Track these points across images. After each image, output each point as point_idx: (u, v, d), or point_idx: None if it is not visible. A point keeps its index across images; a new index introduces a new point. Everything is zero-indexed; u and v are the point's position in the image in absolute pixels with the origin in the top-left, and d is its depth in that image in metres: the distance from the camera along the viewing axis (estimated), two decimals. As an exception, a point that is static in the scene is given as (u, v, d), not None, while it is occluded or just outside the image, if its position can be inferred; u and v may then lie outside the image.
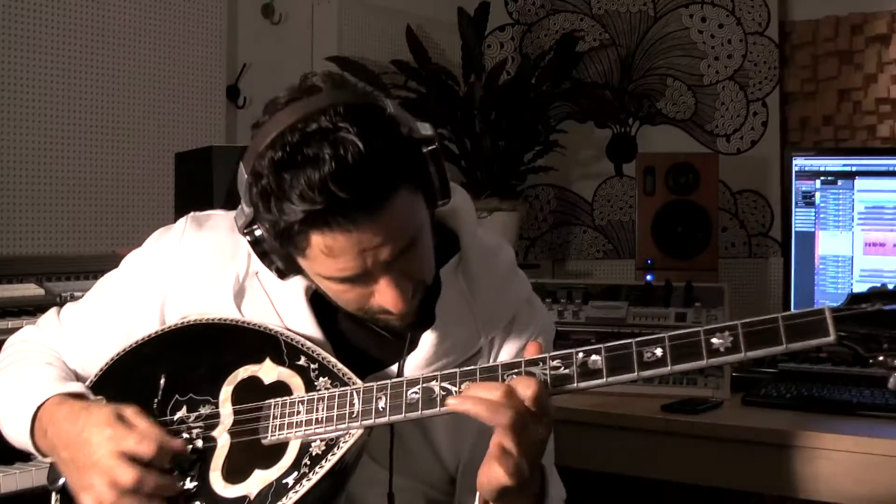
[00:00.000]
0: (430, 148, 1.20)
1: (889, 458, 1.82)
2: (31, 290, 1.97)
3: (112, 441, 1.21)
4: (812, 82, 3.20)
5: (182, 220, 1.42)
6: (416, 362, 1.30)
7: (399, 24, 3.30)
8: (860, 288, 2.31)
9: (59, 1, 2.51)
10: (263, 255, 1.23)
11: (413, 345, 1.31)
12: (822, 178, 2.43)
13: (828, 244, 2.39)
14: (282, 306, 1.33)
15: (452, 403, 1.12)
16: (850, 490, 1.86)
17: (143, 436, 1.21)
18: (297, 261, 1.22)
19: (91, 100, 2.58)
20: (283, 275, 1.25)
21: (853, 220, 2.38)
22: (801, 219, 2.44)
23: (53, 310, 1.51)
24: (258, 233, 1.20)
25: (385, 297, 1.20)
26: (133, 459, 1.20)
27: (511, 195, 3.23)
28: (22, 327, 1.71)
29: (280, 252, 1.21)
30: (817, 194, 2.42)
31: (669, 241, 2.83)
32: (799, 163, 2.46)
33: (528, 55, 3.51)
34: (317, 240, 1.14)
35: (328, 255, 1.15)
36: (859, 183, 2.38)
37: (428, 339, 1.31)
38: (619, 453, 2.10)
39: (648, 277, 2.82)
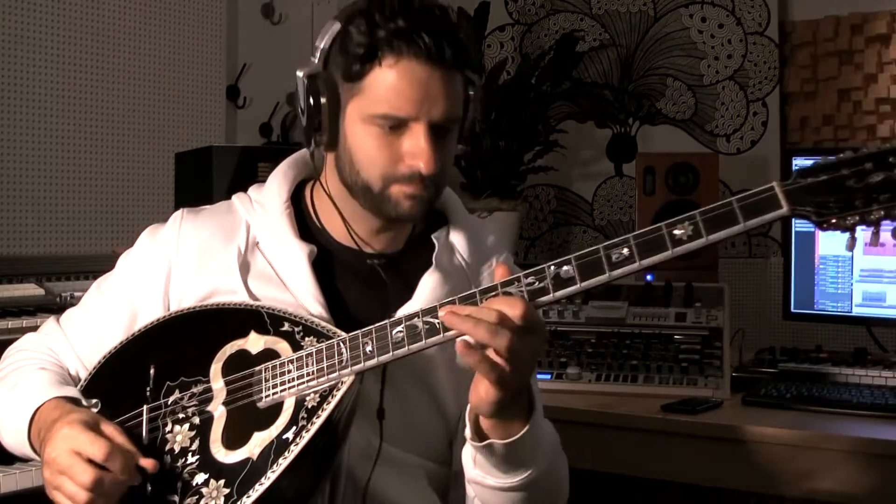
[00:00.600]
0: (481, 82, 1.39)
1: (889, 458, 1.83)
2: (31, 290, 1.97)
3: (67, 440, 1.23)
4: (812, 82, 3.20)
5: (177, 213, 1.47)
6: (415, 308, 1.34)
7: (399, 24, 3.29)
8: (861, 289, 2.33)
9: (59, 1, 2.51)
10: (311, 111, 1.32)
11: (411, 292, 1.38)
12: (822, 177, 2.42)
13: (828, 244, 2.39)
14: (285, 273, 1.38)
15: (444, 317, 1.14)
16: (849, 490, 1.86)
17: (96, 439, 1.22)
18: (348, 107, 1.31)
19: (91, 100, 2.59)
20: (320, 134, 1.34)
21: (853, 220, 2.37)
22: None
23: (53, 317, 1.53)
24: (317, 83, 1.32)
25: (418, 149, 1.29)
26: (91, 461, 1.21)
27: (511, 195, 3.23)
28: (22, 327, 1.73)
29: (333, 94, 1.31)
30: (817, 194, 2.42)
31: (669, 241, 2.83)
32: (799, 163, 2.45)
33: (528, 55, 3.50)
34: (393, 62, 1.26)
35: (396, 79, 1.26)
36: (859, 183, 2.38)
37: (427, 283, 1.38)
38: (619, 453, 2.10)
39: (648, 277, 2.82)
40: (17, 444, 1.38)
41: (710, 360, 2.25)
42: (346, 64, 1.29)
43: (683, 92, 3.45)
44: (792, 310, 2.46)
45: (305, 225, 1.43)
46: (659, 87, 3.48)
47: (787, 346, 2.53)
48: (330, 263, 1.41)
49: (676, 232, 1.11)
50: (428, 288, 1.38)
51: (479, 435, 1.22)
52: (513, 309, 1.11)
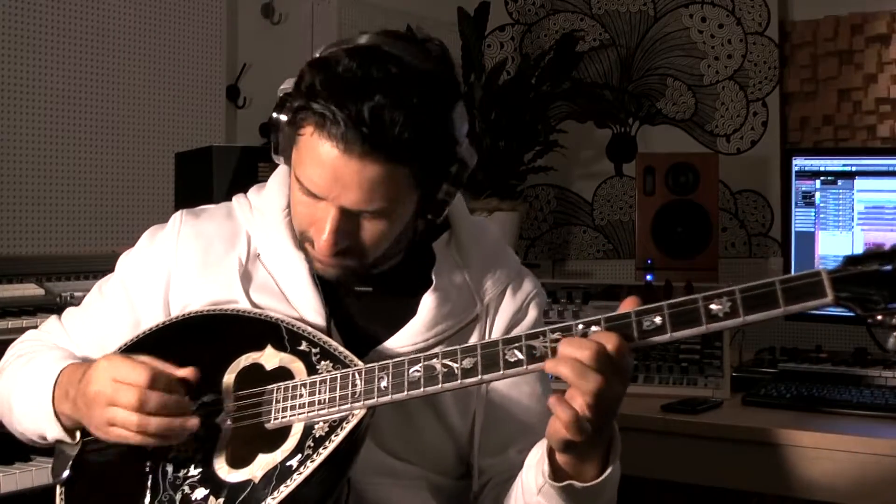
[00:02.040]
0: (456, 168, 1.29)
1: (889, 458, 1.83)
2: (31, 290, 1.97)
3: (107, 370, 1.22)
4: (812, 82, 3.20)
5: (176, 214, 1.45)
6: (417, 328, 1.33)
7: (399, 24, 3.26)
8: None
9: (59, 1, 2.51)
10: (272, 129, 1.29)
11: (412, 312, 1.34)
12: (822, 178, 2.43)
13: (828, 244, 2.40)
14: (286, 285, 1.35)
15: (550, 366, 1.11)
16: (849, 490, 1.86)
17: (136, 364, 1.22)
18: (293, 152, 1.27)
19: (91, 100, 2.58)
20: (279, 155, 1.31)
21: (853, 220, 2.38)
22: (801, 219, 2.44)
23: (54, 317, 1.52)
24: (282, 116, 1.28)
25: (319, 230, 1.25)
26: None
27: (511, 195, 3.23)
28: (22, 327, 1.72)
29: (287, 137, 1.28)
30: (817, 194, 2.42)
31: (669, 241, 2.83)
32: (799, 163, 2.46)
33: (528, 55, 3.50)
34: (310, 134, 1.21)
35: (311, 153, 1.21)
36: (859, 183, 2.38)
37: (427, 303, 1.34)
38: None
39: (648, 277, 2.82)
40: (34, 416, 1.35)
41: (710, 360, 2.25)
42: (289, 116, 1.26)
43: (683, 92, 3.45)
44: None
45: None
46: (659, 87, 3.48)
47: (787, 346, 2.53)
48: None
49: (713, 307, 1.07)
50: (428, 307, 1.34)
51: (553, 467, 1.20)
52: (609, 343, 1.09)
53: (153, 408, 1.20)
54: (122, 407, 1.20)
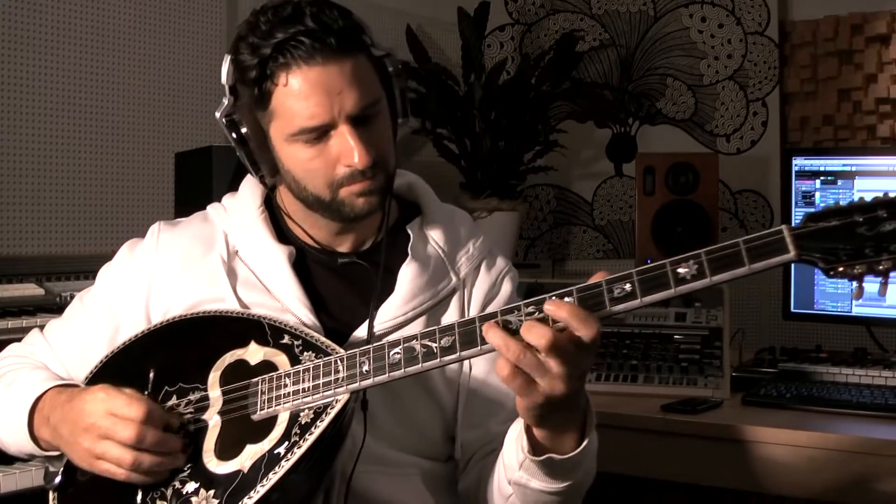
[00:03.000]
0: (391, 60, 1.37)
1: (889, 458, 1.83)
2: (31, 290, 1.97)
3: (104, 402, 1.24)
4: (812, 82, 3.20)
5: (153, 226, 1.49)
6: (397, 301, 1.38)
7: (399, 24, 3.29)
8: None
9: (59, 1, 2.51)
10: (241, 143, 1.34)
11: (391, 288, 1.39)
12: (821, 177, 2.43)
13: (828, 244, 2.39)
14: (267, 277, 1.40)
15: (491, 337, 1.13)
16: (849, 490, 1.86)
17: (132, 399, 1.24)
18: (270, 132, 1.32)
19: (91, 100, 2.58)
20: (257, 168, 1.36)
21: (853, 220, 2.37)
22: (801, 218, 2.44)
23: (35, 330, 1.55)
24: (237, 119, 1.33)
25: (347, 148, 1.29)
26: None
27: (511, 195, 3.23)
28: (22, 327, 1.73)
29: (254, 125, 1.33)
30: (817, 194, 2.42)
31: (669, 241, 2.83)
32: (799, 163, 2.46)
33: (528, 55, 3.50)
34: (286, 77, 1.27)
35: (296, 91, 1.26)
36: (859, 183, 2.38)
37: (406, 274, 1.40)
38: (619, 453, 2.10)
39: (648, 277, 2.82)
40: (16, 439, 1.38)
41: (710, 360, 2.25)
42: (250, 93, 1.31)
43: (683, 92, 3.45)
44: (792, 309, 2.46)
45: (280, 228, 1.45)
46: (659, 87, 3.48)
47: (787, 346, 2.53)
48: (308, 264, 1.42)
49: (681, 270, 1.09)
50: (407, 279, 1.40)
51: (532, 442, 1.22)
52: (586, 330, 1.10)
53: (149, 444, 1.22)
54: (118, 442, 1.22)
